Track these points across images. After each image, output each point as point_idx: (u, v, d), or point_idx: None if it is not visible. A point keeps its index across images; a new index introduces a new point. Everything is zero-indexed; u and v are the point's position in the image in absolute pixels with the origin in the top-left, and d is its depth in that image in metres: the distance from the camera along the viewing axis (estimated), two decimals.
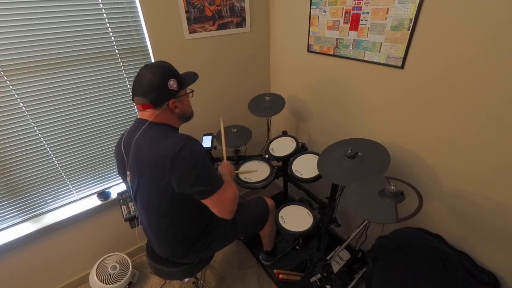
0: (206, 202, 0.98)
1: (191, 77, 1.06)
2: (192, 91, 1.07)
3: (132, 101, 1.49)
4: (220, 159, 1.67)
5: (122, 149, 1.03)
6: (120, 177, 1.14)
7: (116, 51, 1.37)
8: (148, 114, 0.98)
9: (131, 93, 1.02)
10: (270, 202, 1.42)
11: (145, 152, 0.95)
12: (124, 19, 1.34)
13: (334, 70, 1.49)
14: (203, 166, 0.94)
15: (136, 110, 1.55)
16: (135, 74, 0.95)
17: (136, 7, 1.34)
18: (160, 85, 0.93)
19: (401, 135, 1.28)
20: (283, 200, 2.03)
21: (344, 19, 1.31)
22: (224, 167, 1.23)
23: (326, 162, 1.23)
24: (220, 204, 1.01)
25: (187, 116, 1.09)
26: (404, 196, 0.87)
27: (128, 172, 1.02)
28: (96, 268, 1.58)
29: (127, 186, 1.09)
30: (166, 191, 0.95)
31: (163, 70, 0.95)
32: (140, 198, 1.05)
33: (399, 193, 0.86)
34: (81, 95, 1.36)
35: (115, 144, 1.54)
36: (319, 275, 1.28)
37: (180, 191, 0.94)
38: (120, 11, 1.31)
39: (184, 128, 1.10)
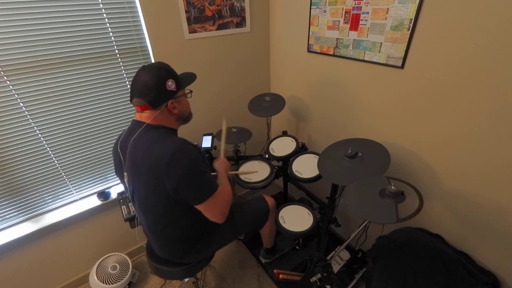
0: (199, 207, 0.99)
1: (189, 77, 1.05)
2: (191, 91, 1.06)
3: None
4: None
5: (119, 150, 1.02)
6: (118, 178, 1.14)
7: (116, 51, 1.37)
8: (146, 116, 0.97)
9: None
10: (270, 200, 1.42)
11: (141, 155, 0.94)
12: (124, 19, 1.34)
13: (334, 70, 1.49)
14: (197, 171, 0.94)
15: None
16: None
17: (136, 7, 1.34)
18: (158, 86, 0.92)
19: (401, 135, 1.28)
20: (283, 200, 2.02)
21: (344, 19, 1.31)
22: (221, 165, 1.22)
23: (326, 162, 1.23)
24: (212, 210, 1.02)
25: (185, 117, 1.07)
26: (404, 196, 0.87)
27: (125, 173, 1.02)
28: (96, 268, 1.58)
29: (125, 187, 1.09)
30: (163, 193, 0.95)
31: (161, 71, 0.94)
32: (137, 200, 1.05)
33: (400, 193, 0.86)
34: (81, 95, 1.36)
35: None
36: (319, 275, 1.28)
37: (174, 195, 0.94)
38: (120, 11, 1.31)
39: (184, 128, 1.09)
